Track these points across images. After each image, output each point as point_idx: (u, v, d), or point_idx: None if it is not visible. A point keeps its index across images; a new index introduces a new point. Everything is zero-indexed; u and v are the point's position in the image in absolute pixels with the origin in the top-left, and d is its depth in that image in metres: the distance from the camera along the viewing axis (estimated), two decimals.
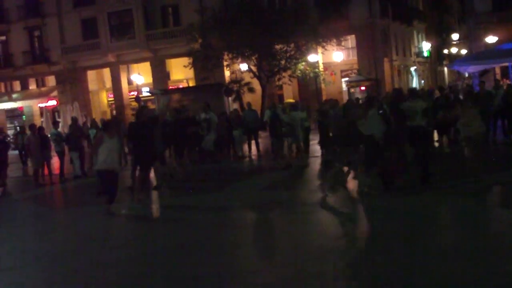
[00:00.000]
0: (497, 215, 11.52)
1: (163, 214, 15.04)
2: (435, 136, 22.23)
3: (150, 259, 10.29)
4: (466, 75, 49.21)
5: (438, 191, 13.71)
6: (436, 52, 71.16)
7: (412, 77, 61.32)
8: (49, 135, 23.83)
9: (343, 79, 51.21)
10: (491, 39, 42.75)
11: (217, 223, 12.80)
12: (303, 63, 43.47)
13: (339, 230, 11.42)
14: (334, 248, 9.91)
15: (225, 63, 45.49)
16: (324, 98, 44.92)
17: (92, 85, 57.41)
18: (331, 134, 18.52)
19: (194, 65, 44.98)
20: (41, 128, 24.03)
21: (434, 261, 8.68)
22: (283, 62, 42.94)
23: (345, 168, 14.79)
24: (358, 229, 11.32)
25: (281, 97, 50.16)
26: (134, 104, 52.59)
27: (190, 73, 49.71)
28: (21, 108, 58.39)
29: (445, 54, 73.46)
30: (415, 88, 22.38)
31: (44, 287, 9.55)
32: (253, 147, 25.56)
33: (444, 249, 9.35)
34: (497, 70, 40.69)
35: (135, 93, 51.72)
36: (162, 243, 11.42)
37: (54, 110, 54.54)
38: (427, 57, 65.17)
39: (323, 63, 47.92)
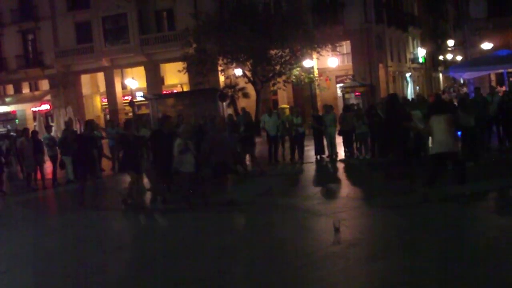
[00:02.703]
0: (492, 221, 11.42)
1: (157, 219, 14.88)
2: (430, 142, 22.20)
3: (144, 263, 10.32)
4: (462, 81, 49.20)
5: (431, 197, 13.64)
6: (431, 58, 71.18)
7: (407, 83, 61.29)
8: (42, 139, 23.68)
9: (338, 85, 51.09)
10: (486, 45, 42.76)
11: (213, 228, 12.69)
12: (298, 68, 43.41)
13: (334, 236, 11.28)
14: (330, 254, 9.83)
15: (219, 68, 45.38)
16: (319, 103, 44.91)
17: (85, 89, 57.26)
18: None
19: (188, 69, 44.91)
20: (34, 132, 23.89)
21: (434, 266, 8.63)
22: (278, 67, 42.86)
23: None
24: (354, 234, 11.18)
25: (275, 102, 50.02)
26: (128, 108, 52.47)
27: (184, 78, 49.65)
28: (14, 112, 58.19)
29: (441, 60, 73.55)
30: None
31: None
32: None
33: (443, 254, 9.27)
34: (492, 77, 40.63)
35: (129, 97, 51.52)
36: (156, 248, 11.39)
37: (47, 114, 54.34)
38: (422, 63, 65.16)
39: (318, 68, 47.83)
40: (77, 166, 16.85)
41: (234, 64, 43.69)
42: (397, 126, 15.27)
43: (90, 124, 18.45)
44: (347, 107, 25.18)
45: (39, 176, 22.80)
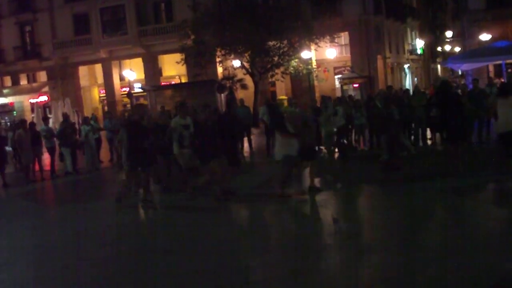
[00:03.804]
0: (486, 212, 11.41)
1: (156, 212, 14.85)
2: (428, 134, 22.28)
3: (142, 256, 10.25)
4: (460, 72, 49.16)
5: (428, 188, 13.66)
6: (430, 49, 71.19)
7: (406, 75, 61.31)
8: (39, 131, 23.65)
9: (336, 76, 51.16)
10: (485, 36, 42.69)
11: (212, 220, 12.68)
12: (296, 59, 43.35)
13: (334, 227, 11.28)
14: (329, 245, 9.81)
15: (217, 60, 45.32)
16: (317, 95, 44.87)
17: (83, 81, 57.24)
18: None
19: (186, 61, 44.85)
20: (32, 124, 23.85)
21: (430, 257, 8.63)
22: (276, 58, 42.80)
23: None
24: (352, 226, 11.19)
25: (274, 94, 50.03)
26: (126, 100, 52.45)
27: (182, 69, 49.60)
28: (11, 103, 58.14)
29: (439, 51, 73.51)
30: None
31: (35, 283, 9.44)
32: (246, 143, 25.49)
33: (439, 246, 9.30)
34: (491, 68, 40.63)
35: (127, 89, 51.50)
36: (156, 241, 11.36)
37: (45, 106, 54.30)
38: (420, 54, 65.19)
39: (316, 60, 47.83)
40: (128, 157, 15.07)
41: (232, 56, 43.63)
42: (453, 111, 15.26)
43: (140, 109, 16.62)
44: (339, 100, 25.02)
45: (37, 167, 22.80)
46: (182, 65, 46.02)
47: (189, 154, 15.29)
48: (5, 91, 57.52)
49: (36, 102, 53.68)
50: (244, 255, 9.93)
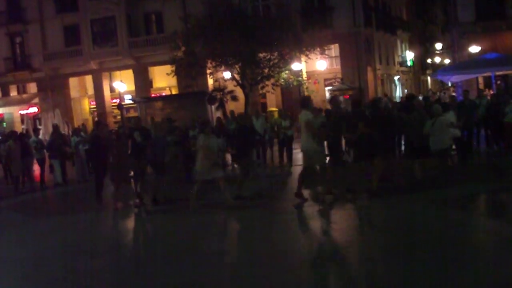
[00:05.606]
0: (479, 224, 11.45)
1: (144, 224, 14.83)
2: None
3: (131, 268, 10.22)
4: (449, 84, 49.35)
5: (421, 199, 13.67)
6: (420, 61, 71.47)
7: (396, 86, 61.50)
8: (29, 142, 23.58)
9: (327, 88, 51.20)
10: (474, 48, 42.89)
11: (201, 232, 12.64)
12: (287, 71, 43.38)
13: (324, 238, 11.28)
14: (320, 257, 9.80)
15: (208, 71, 45.30)
16: None
17: (74, 92, 57.08)
18: None
19: (177, 73, 44.76)
20: (22, 135, 23.78)
21: (420, 269, 8.67)
22: (266, 70, 42.79)
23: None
24: (342, 237, 11.18)
25: (264, 106, 50.07)
26: (116, 111, 52.36)
27: (173, 81, 49.53)
28: (1, 115, 57.94)
29: (429, 63, 73.81)
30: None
31: None
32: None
33: (429, 256, 9.27)
34: (480, 80, 40.78)
35: (117, 100, 51.44)
36: (143, 253, 11.33)
37: (35, 117, 54.10)
38: (410, 66, 65.41)
39: (306, 71, 47.93)
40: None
41: (223, 67, 43.59)
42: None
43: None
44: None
45: (27, 179, 22.71)
46: (173, 76, 45.91)
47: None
48: None
49: (26, 113, 53.53)
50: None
